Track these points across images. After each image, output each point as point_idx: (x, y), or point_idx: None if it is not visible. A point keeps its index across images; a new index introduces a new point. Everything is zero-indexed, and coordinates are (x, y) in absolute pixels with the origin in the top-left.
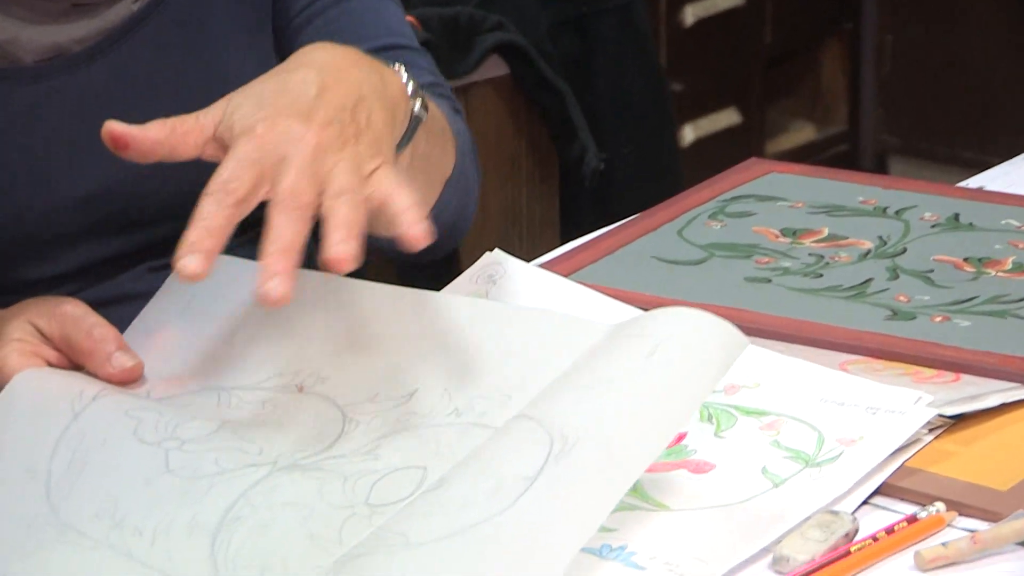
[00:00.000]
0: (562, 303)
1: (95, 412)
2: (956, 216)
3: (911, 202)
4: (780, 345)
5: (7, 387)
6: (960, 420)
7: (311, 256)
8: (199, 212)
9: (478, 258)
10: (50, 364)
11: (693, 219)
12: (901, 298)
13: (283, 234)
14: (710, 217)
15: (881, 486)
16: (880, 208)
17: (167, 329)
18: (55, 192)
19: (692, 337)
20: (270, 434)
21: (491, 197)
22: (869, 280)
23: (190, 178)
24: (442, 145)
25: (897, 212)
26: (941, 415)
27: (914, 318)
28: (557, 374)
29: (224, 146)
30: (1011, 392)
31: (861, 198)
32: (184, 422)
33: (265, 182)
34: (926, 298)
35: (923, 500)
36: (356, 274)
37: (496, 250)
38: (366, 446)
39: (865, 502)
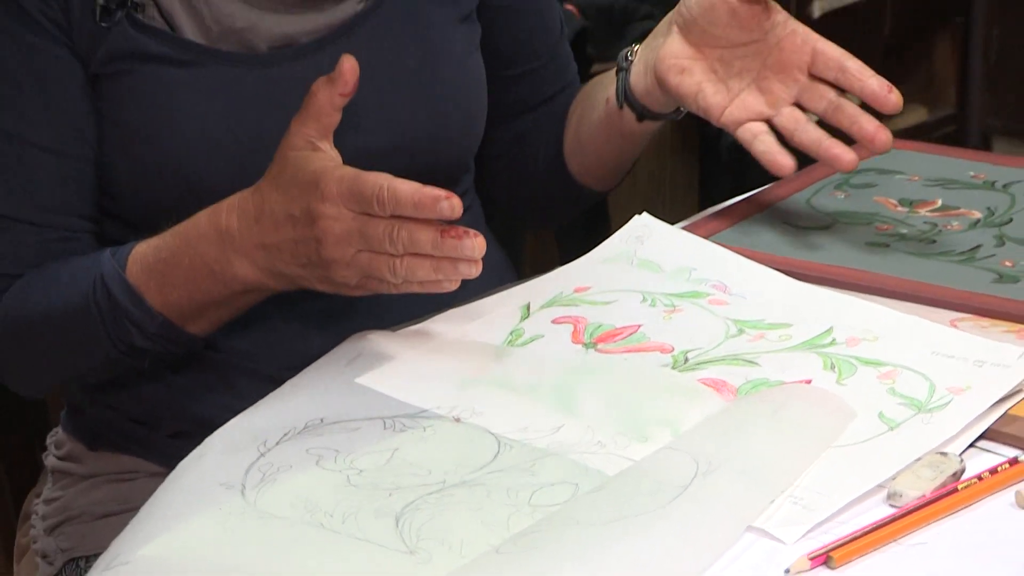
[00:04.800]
0: (702, 261)
1: (280, 450)
2: None
3: (1017, 177)
4: (897, 303)
5: (203, 444)
6: None
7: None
8: None
9: (627, 221)
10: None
11: (820, 189)
12: (1007, 263)
13: None
14: (835, 188)
15: (986, 431)
16: (988, 182)
17: (335, 373)
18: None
19: (809, 403)
20: (436, 457)
21: (639, 167)
22: (978, 246)
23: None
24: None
25: (1004, 186)
26: None
27: (1018, 281)
28: (688, 425)
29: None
30: None
31: (972, 173)
32: (360, 456)
33: None
34: None
35: None
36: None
37: (644, 213)
38: (522, 464)
39: (971, 445)
